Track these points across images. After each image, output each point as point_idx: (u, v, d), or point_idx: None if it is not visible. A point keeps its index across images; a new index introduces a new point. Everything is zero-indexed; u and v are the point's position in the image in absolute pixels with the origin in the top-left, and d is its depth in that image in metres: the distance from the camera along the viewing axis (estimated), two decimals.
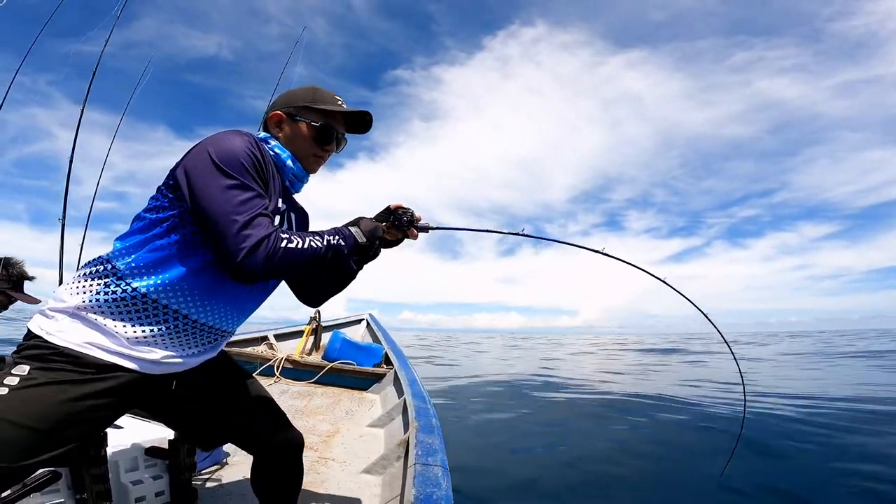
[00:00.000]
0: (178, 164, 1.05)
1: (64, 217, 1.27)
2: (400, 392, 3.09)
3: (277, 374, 3.76)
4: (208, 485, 1.83)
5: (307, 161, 1.27)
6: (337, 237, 1.12)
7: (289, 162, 1.23)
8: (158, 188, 1.08)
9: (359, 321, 5.34)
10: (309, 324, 4.70)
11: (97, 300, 1.00)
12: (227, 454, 2.10)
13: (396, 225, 1.32)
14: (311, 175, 1.31)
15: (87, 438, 1.02)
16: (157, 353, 1.04)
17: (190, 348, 1.11)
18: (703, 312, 1.67)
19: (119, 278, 1.01)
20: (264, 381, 3.71)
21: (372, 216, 1.32)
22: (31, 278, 2.24)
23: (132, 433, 1.52)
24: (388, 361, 4.01)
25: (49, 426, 0.93)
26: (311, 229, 1.35)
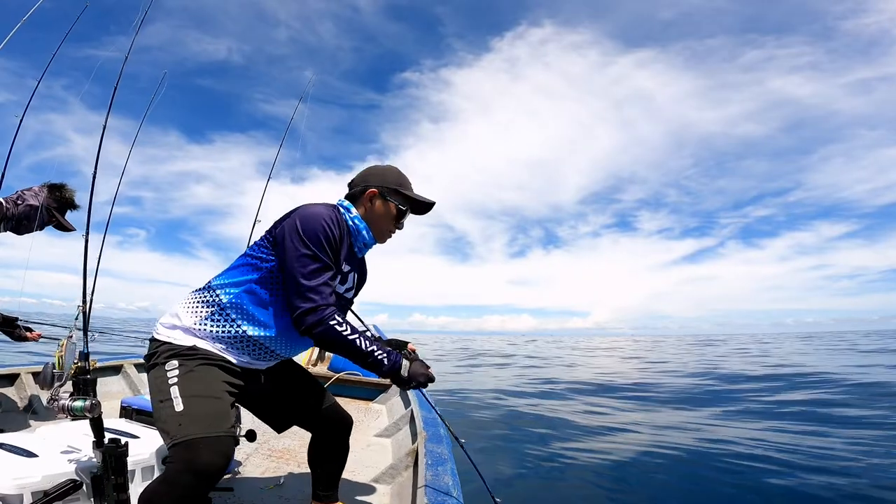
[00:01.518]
0: (278, 224, 1.37)
1: (87, 232, 1.32)
2: (406, 402, 3.11)
3: None
4: (221, 494, 1.86)
5: (382, 234, 1.55)
6: (385, 357, 1.32)
7: (364, 232, 1.49)
8: (263, 237, 1.40)
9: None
10: None
11: (204, 328, 1.33)
12: (239, 462, 2.13)
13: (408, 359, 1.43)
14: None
15: (233, 407, 1.32)
16: (244, 360, 1.38)
17: (268, 362, 1.47)
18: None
19: (222, 310, 1.35)
20: None
21: (391, 338, 1.70)
22: (76, 206, 2.30)
23: (149, 442, 1.57)
24: None
25: (219, 394, 1.25)
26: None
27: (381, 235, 1.55)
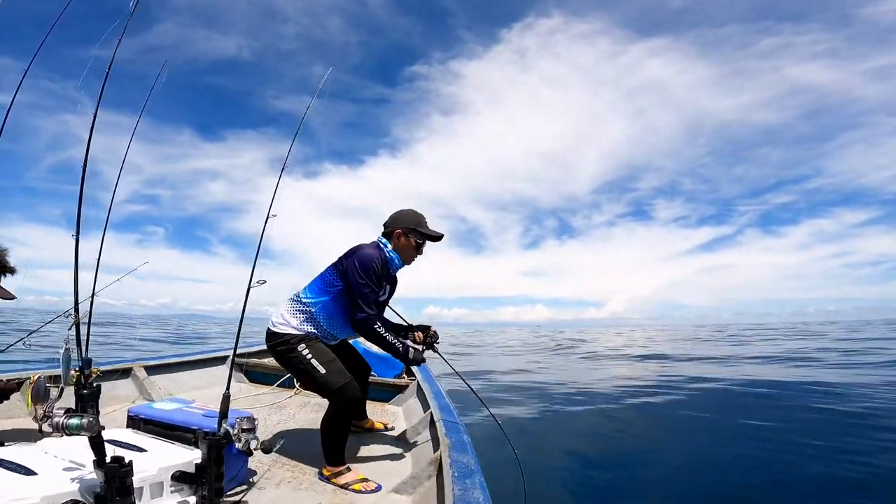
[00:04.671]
0: (344, 258, 2.19)
1: (78, 233, 1.19)
2: (425, 405, 2.99)
3: (297, 386, 3.68)
4: None
5: (408, 260, 2.33)
6: (405, 349, 2.16)
7: (395, 260, 2.28)
8: (334, 265, 2.22)
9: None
10: None
11: (304, 325, 2.16)
12: (254, 472, 2.02)
13: (428, 342, 2.40)
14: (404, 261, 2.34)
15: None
16: (328, 340, 2.22)
17: (335, 342, 2.29)
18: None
19: (311, 315, 2.17)
20: (284, 394, 3.65)
21: (418, 325, 2.50)
22: (11, 270, 1.80)
23: (158, 458, 1.45)
24: (408, 372, 3.92)
25: (334, 358, 2.11)
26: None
27: (408, 261, 2.33)
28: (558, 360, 15.34)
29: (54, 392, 1.13)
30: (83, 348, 1.19)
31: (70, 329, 1.09)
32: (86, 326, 1.78)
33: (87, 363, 1.92)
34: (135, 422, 1.79)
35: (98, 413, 1.91)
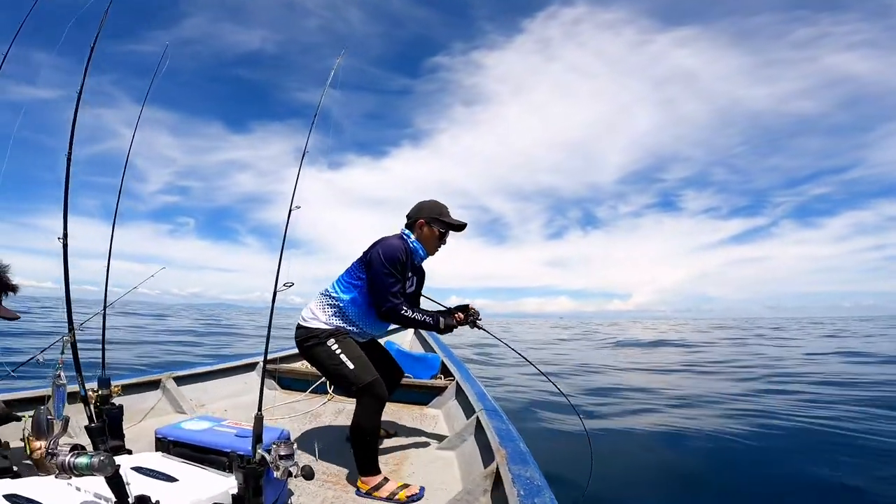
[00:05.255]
0: (369, 251, 2.14)
1: (65, 236, 1.00)
2: (468, 408, 2.77)
3: (331, 391, 3.51)
4: None
5: (432, 250, 2.30)
6: (432, 320, 2.17)
7: (420, 251, 2.25)
8: (360, 259, 2.19)
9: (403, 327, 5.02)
10: None
11: (333, 320, 2.16)
12: (291, 493, 1.84)
13: (470, 320, 2.30)
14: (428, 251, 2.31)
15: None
16: (357, 336, 2.22)
17: (365, 338, 2.30)
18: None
19: (341, 309, 2.17)
20: (317, 400, 3.49)
21: (454, 305, 2.37)
22: (13, 288, 1.65)
23: (190, 489, 1.26)
24: (445, 372, 3.71)
25: (363, 354, 2.11)
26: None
27: (432, 251, 2.31)
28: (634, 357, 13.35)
29: (58, 426, 0.94)
30: (82, 373, 1.00)
31: (63, 353, 0.90)
32: (96, 344, 1.63)
33: (104, 383, 1.76)
34: (163, 444, 1.62)
35: (123, 437, 1.75)
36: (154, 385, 3.04)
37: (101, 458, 0.85)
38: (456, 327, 2.25)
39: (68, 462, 0.84)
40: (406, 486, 1.92)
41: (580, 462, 2.55)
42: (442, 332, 2.20)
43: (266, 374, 1.59)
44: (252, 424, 1.40)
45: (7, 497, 1.02)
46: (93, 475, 0.87)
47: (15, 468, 1.34)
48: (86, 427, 0.95)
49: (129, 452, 1.71)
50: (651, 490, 3.38)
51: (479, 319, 2.31)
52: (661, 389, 7.21)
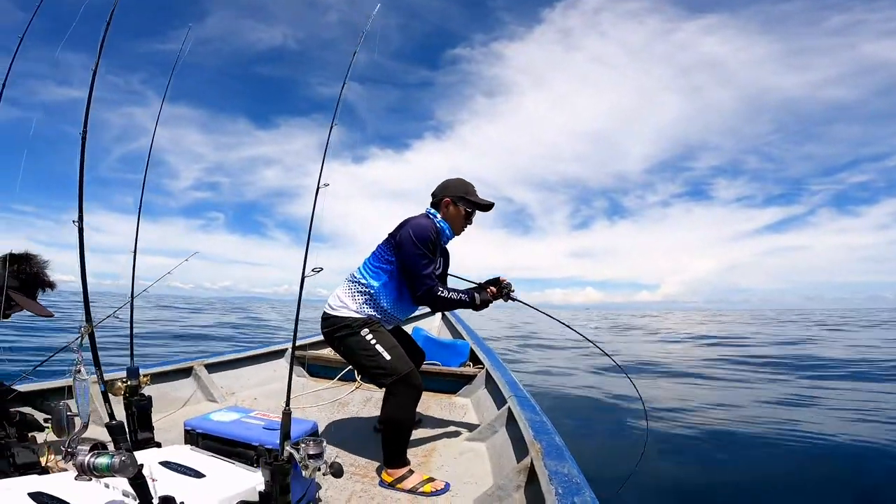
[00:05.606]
0: (397, 232, 2.06)
1: (81, 219, 0.94)
2: (499, 398, 2.69)
3: (359, 379, 3.49)
4: None
5: (458, 229, 2.21)
6: (468, 297, 2.11)
7: (446, 231, 2.17)
8: (386, 240, 2.10)
9: (432, 311, 4.88)
10: None
11: (364, 308, 2.07)
12: (319, 486, 1.80)
13: (504, 293, 2.25)
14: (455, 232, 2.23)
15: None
16: (386, 324, 2.16)
17: (393, 325, 2.27)
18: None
19: (372, 296, 2.08)
20: (345, 388, 3.48)
21: (486, 280, 2.31)
22: (50, 285, 1.67)
23: (217, 485, 1.22)
24: (474, 359, 3.64)
25: (397, 344, 2.03)
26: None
27: (458, 231, 2.22)
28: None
29: (78, 423, 0.90)
30: (101, 369, 0.95)
31: (80, 347, 0.85)
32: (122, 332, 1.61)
33: (132, 373, 1.75)
34: (192, 437, 1.60)
35: (152, 428, 1.74)
36: (185, 373, 3.07)
37: (123, 458, 0.80)
38: (492, 302, 2.19)
39: (88, 462, 0.80)
40: (431, 479, 1.87)
41: (626, 459, 2.39)
42: (478, 308, 2.14)
43: (294, 361, 1.55)
44: (280, 415, 1.36)
45: (32, 495, 0.99)
46: (113, 476, 0.82)
47: (43, 463, 1.33)
48: (106, 424, 0.90)
49: (159, 445, 1.70)
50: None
51: (513, 291, 2.25)
52: (743, 388, 6.62)
